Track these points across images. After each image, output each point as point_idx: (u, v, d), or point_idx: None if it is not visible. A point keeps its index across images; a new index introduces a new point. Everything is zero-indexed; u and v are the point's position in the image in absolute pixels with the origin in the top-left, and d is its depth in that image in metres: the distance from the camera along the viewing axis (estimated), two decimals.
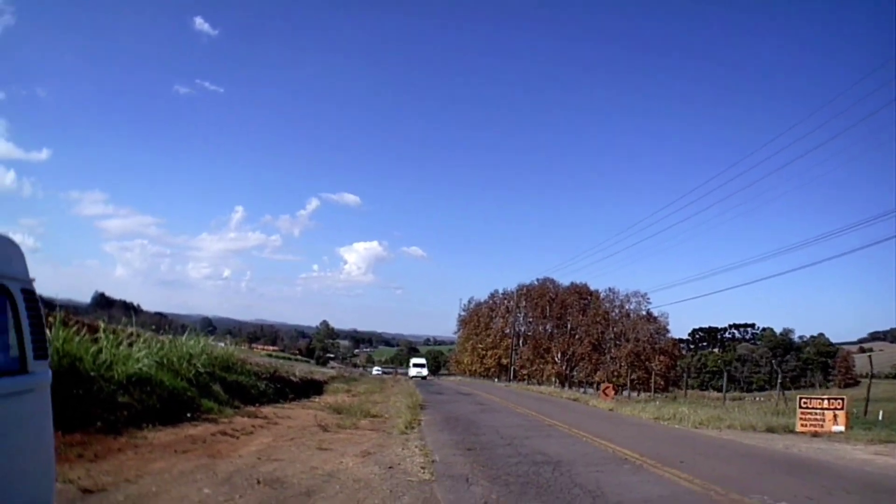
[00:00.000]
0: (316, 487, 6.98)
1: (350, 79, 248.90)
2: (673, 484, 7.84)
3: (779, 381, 26.48)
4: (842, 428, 14.46)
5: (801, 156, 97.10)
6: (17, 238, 3.00)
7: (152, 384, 10.70)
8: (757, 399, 30.75)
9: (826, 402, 15.28)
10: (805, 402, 15.42)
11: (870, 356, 28.42)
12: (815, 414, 15.01)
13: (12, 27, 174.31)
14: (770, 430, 15.06)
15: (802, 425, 14.96)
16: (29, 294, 3.01)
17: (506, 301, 68.11)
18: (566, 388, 38.50)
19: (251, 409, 13.92)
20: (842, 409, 14.88)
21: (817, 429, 14.66)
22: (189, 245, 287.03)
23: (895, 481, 8.50)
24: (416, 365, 62.22)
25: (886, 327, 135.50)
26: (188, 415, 11.09)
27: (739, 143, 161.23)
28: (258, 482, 6.95)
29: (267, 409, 14.25)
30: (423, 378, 56.23)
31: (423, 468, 8.28)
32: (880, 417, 17.78)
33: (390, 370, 79.36)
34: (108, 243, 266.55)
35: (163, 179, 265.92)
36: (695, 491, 7.40)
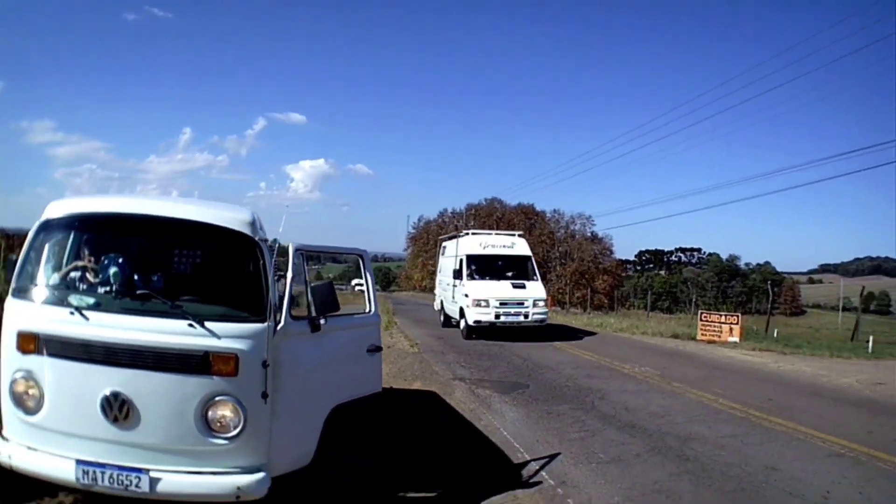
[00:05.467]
0: None
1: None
2: (577, 356, 11.77)
3: (693, 300, 30.54)
4: (736, 339, 17.37)
5: (755, 96, 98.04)
6: None
7: None
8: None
9: (723, 317, 18.72)
10: (705, 317, 18.74)
11: (770, 283, 32.44)
12: (714, 326, 18.19)
13: None
14: (675, 336, 18.46)
15: (703, 335, 18.09)
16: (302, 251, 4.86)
17: (455, 220, 68.65)
18: None
19: None
20: (736, 323, 18.04)
21: (715, 338, 17.71)
22: (137, 168, 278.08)
23: (732, 364, 12.22)
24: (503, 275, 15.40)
25: (837, 261, 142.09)
26: None
27: (695, 77, 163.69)
28: None
29: None
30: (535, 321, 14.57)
31: (411, 347, 11.93)
32: (775, 335, 21.17)
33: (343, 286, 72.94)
34: (58, 170, 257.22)
35: (112, 105, 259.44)
36: (591, 360, 11.26)
